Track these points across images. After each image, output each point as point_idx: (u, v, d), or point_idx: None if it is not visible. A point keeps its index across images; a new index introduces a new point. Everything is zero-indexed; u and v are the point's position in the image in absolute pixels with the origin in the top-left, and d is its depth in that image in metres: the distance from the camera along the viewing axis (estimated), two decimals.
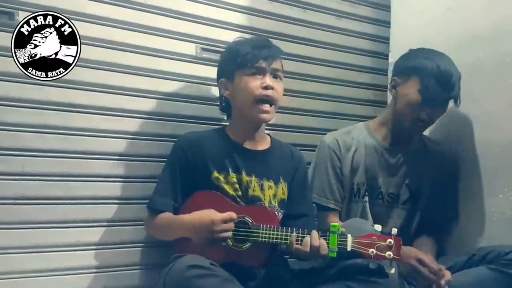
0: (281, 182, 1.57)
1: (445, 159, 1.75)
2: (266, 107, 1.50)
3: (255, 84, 1.49)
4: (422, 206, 1.71)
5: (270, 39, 1.74)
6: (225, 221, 1.38)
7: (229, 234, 1.38)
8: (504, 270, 1.45)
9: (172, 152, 1.55)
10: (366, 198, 1.69)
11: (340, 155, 1.69)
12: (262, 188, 1.53)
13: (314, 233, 1.35)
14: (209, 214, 1.39)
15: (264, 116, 1.51)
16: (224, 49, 1.65)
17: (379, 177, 1.70)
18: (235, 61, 1.51)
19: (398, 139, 1.71)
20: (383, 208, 1.70)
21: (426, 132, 1.77)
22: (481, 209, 1.68)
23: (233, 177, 1.51)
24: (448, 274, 1.48)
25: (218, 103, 1.67)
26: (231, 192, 1.50)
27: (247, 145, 1.57)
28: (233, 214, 1.39)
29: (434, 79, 1.56)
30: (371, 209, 1.69)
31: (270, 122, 1.68)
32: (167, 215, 1.49)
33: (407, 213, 1.71)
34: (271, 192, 1.54)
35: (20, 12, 1.45)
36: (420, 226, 1.72)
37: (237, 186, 1.51)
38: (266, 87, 1.49)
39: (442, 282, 1.46)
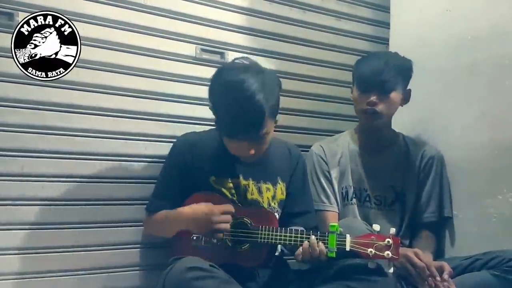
0: (279, 183, 1.57)
1: (427, 159, 1.75)
2: (245, 158, 1.45)
3: (234, 147, 1.43)
4: (410, 208, 1.72)
5: (269, 40, 1.76)
6: (224, 212, 1.38)
7: (227, 226, 1.37)
8: (506, 277, 1.44)
9: (170, 154, 1.55)
10: (354, 201, 1.73)
11: (326, 160, 1.76)
12: (260, 191, 1.53)
13: (313, 238, 1.35)
14: (208, 205, 1.40)
15: (247, 160, 1.46)
16: (224, 52, 1.61)
17: (364, 180, 1.74)
18: (218, 123, 1.41)
19: (374, 141, 1.75)
20: (372, 210, 1.72)
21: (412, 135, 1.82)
22: (480, 210, 1.68)
23: (230, 182, 1.51)
24: (447, 267, 1.47)
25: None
26: (229, 196, 1.50)
27: None
28: (231, 207, 1.39)
29: (363, 70, 1.68)
30: (360, 212, 1.72)
31: None
32: (165, 211, 1.49)
33: (395, 214, 1.72)
34: (270, 194, 1.54)
35: (19, 13, 1.45)
36: (414, 229, 1.72)
37: (233, 191, 1.51)
38: (246, 154, 1.41)
39: (446, 276, 1.45)
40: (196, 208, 1.41)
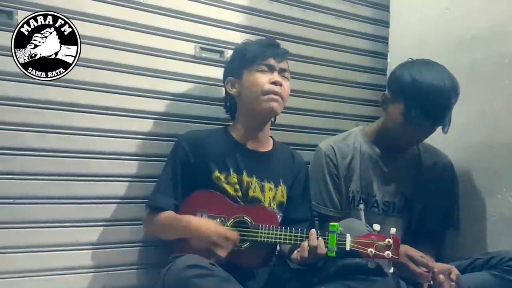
0: (281, 185, 1.57)
1: (439, 168, 1.71)
2: (275, 96, 1.51)
3: (264, 79, 1.51)
4: (418, 215, 1.69)
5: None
6: (227, 238, 1.38)
7: (224, 253, 1.36)
8: (506, 277, 1.43)
9: (174, 150, 1.55)
10: (361, 206, 1.67)
11: (336, 162, 1.67)
12: (262, 190, 1.53)
13: (312, 232, 1.36)
14: (215, 225, 1.41)
15: (273, 104, 1.50)
16: (224, 50, 1.70)
17: (374, 185, 1.68)
18: (244, 59, 1.54)
19: (392, 148, 1.68)
20: (378, 216, 1.66)
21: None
22: (480, 209, 1.68)
23: (234, 178, 1.51)
24: (455, 270, 1.46)
25: (223, 104, 1.68)
26: (232, 192, 1.50)
27: (250, 145, 1.57)
28: (236, 236, 1.39)
29: (419, 110, 1.48)
30: (366, 218, 1.66)
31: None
32: (171, 214, 1.48)
33: (403, 221, 1.68)
34: (271, 194, 1.55)
35: (19, 11, 1.44)
36: (417, 234, 1.69)
37: (237, 186, 1.51)
38: (275, 83, 1.51)
39: (454, 277, 1.43)
40: (202, 225, 1.41)
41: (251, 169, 1.53)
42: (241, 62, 1.55)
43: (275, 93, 1.51)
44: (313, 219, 1.64)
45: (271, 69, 1.53)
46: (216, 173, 1.50)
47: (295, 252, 1.39)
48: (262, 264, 1.46)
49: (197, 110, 1.74)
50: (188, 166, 1.52)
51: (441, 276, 1.42)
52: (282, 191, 1.57)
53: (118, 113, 1.61)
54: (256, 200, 1.52)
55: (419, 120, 1.49)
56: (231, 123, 1.65)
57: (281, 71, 1.55)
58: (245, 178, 1.52)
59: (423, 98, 1.48)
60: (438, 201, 1.69)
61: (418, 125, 1.51)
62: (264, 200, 1.53)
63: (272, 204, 1.54)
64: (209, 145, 1.54)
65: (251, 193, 1.52)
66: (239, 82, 1.55)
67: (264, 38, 1.68)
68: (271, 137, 1.65)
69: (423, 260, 1.46)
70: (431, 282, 1.44)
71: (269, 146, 1.61)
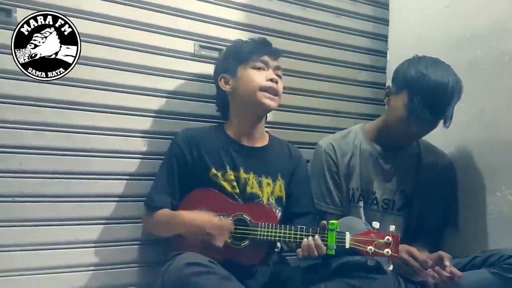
0: (278, 179, 1.57)
1: (439, 167, 1.71)
2: (272, 96, 1.53)
3: (261, 76, 1.53)
4: (417, 213, 1.69)
5: (269, 37, 1.75)
6: (222, 228, 1.38)
7: (221, 243, 1.37)
8: (505, 275, 1.43)
9: (170, 149, 1.56)
10: (361, 204, 1.67)
11: (336, 160, 1.67)
12: (260, 185, 1.54)
13: (310, 240, 1.35)
14: (209, 217, 1.41)
15: (269, 102, 1.53)
16: (223, 48, 1.69)
17: (373, 182, 1.67)
18: (239, 56, 1.55)
19: (393, 146, 1.68)
20: (378, 214, 1.66)
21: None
22: (479, 207, 1.68)
23: (231, 175, 1.51)
24: (445, 255, 1.47)
25: (215, 102, 1.67)
26: (229, 189, 1.50)
27: (245, 142, 1.58)
28: (230, 225, 1.41)
29: (422, 102, 1.49)
30: (366, 216, 1.65)
31: (269, 120, 1.68)
32: (166, 211, 1.49)
33: (402, 219, 1.68)
34: (269, 189, 1.55)
35: (18, 9, 1.44)
36: (416, 233, 1.69)
37: (234, 183, 1.51)
38: (272, 80, 1.53)
39: (447, 263, 1.43)
40: (197, 217, 1.42)
41: (247, 165, 1.53)
42: (236, 59, 1.56)
43: (273, 89, 1.53)
44: (315, 212, 1.63)
45: (267, 66, 1.55)
46: (213, 171, 1.51)
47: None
48: (261, 262, 1.46)
49: (197, 108, 1.73)
50: (184, 164, 1.52)
51: (436, 268, 1.44)
52: (280, 186, 1.57)
53: (117, 111, 1.60)
54: (255, 196, 1.52)
55: (421, 112, 1.50)
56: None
57: (275, 69, 1.57)
58: (242, 174, 1.52)
59: (427, 90, 1.50)
60: (438, 200, 1.70)
61: (420, 118, 1.51)
62: (263, 196, 1.53)
63: (270, 199, 1.54)
64: (204, 142, 1.54)
65: (248, 189, 1.52)
66: (234, 79, 1.55)
67: (257, 37, 1.68)
68: (266, 131, 1.65)
69: (422, 257, 1.46)
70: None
71: (265, 141, 1.62)
